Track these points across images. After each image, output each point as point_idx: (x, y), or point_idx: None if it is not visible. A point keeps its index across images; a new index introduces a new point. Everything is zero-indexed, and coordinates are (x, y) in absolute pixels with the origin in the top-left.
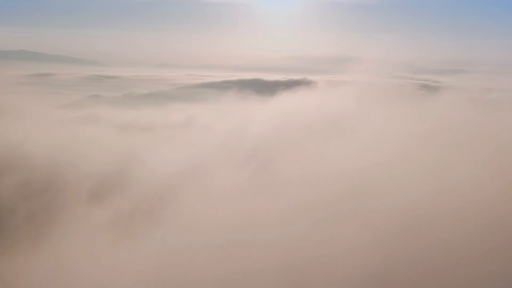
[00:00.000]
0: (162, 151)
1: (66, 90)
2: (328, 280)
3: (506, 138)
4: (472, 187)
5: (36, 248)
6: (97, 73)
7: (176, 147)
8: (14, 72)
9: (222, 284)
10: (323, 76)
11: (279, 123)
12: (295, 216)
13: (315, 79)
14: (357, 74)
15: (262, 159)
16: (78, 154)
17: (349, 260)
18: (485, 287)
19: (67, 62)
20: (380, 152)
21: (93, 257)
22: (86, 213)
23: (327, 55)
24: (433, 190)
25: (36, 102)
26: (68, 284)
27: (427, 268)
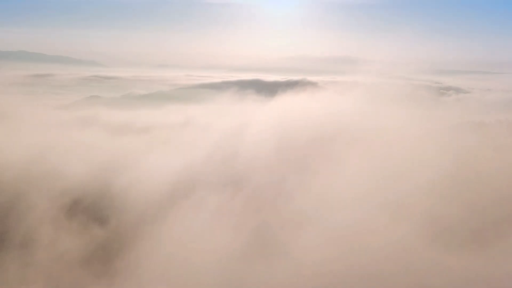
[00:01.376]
0: (156, 157)
1: (65, 90)
2: None
3: None
4: None
5: None
6: (97, 74)
7: (172, 153)
8: (13, 73)
9: None
10: (323, 76)
11: (281, 129)
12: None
13: (315, 79)
14: (358, 74)
15: (259, 179)
16: (61, 163)
17: None
18: None
19: (66, 63)
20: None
21: None
22: (52, 243)
23: (327, 56)
24: None
25: (33, 103)
26: None
27: None
